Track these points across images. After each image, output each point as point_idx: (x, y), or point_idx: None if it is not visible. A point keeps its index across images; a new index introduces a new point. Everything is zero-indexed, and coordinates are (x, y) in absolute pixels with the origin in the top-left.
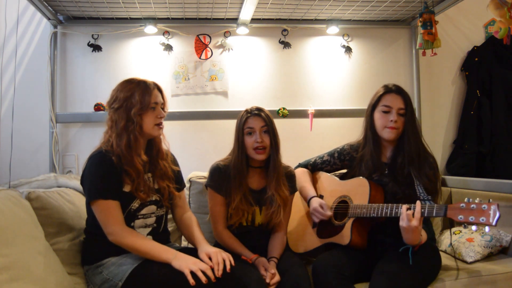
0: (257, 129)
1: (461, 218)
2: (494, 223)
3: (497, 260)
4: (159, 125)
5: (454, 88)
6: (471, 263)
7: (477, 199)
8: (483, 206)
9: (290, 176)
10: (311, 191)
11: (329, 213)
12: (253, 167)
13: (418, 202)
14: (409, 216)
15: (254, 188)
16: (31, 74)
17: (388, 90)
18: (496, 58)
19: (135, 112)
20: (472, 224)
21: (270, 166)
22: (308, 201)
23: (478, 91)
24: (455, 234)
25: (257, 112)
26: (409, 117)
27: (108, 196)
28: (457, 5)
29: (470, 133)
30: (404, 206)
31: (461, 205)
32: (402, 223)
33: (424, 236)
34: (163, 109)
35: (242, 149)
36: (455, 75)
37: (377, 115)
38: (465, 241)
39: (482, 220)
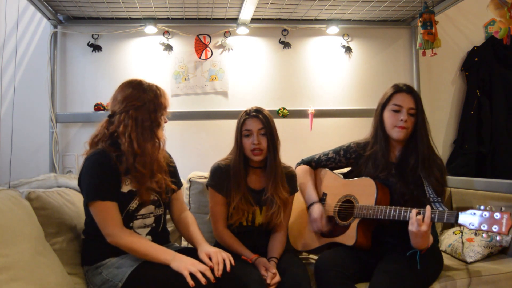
0: (254, 131)
1: (472, 226)
2: (507, 232)
3: (497, 260)
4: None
5: (454, 88)
6: (471, 263)
7: (489, 206)
8: (496, 214)
9: (290, 177)
10: (312, 195)
11: (326, 228)
12: (253, 167)
13: (428, 208)
14: (419, 221)
15: (254, 188)
16: (31, 74)
17: (399, 89)
18: (496, 58)
19: (160, 114)
20: (484, 232)
21: (267, 168)
22: (308, 206)
23: (478, 91)
24: (455, 234)
25: (255, 114)
26: (419, 117)
27: (106, 197)
28: (457, 5)
29: (470, 133)
30: (414, 211)
31: (473, 212)
32: (412, 227)
33: (430, 239)
34: None
35: (240, 149)
36: (455, 75)
37: (387, 114)
38: (465, 241)
39: (495, 229)
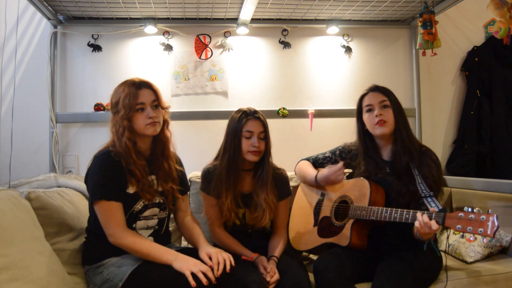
0: (255, 133)
1: (459, 228)
2: (492, 235)
3: (497, 260)
4: (152, 124)
5: (454, 88)
6: (471, 263)
7: (476, 209)
8: (482, 217)
9: (283, 180)
10: (312, 172)
11: (340, 164)
12: (243, 170)
13: (418, 214)
14: (428, 224)
15: (243, 191)
16: (31, 74)
17: (366, 91)
18: (496, 58)
19: (122, 116)
20: (470, 234)
21: (261, 170)
22: (315, 179)
23: (478, 91)
24: (455, 234)
25: (257, 116)
26: (395, 108)
27: (111, 197)
28: (457, 5)
29: (470, 133)
30: (420, 214)
31: (460, 214)
32: (424, 230)
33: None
34: (159, 105)
35: (238, 151)
36: (455, 75)
37: (365, 117)
38: (465, 241)
39: (480, 231)
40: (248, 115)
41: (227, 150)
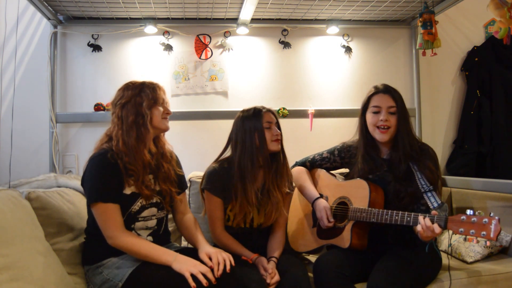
0: (273, 123)
1: (461, 231)
2: (495, 238)
3: (497, 260)
4: (167, 119)
5: (454, 88)
6: (471, 263)
7: (478, 212)
8: (484, 220)
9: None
10: (313, 192)
11: (331, 224)
12: (259, 165)
13: (420, 217)
14: (431, 228)
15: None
16: (31, 74)
17: (377, 90)
18: (496, 58)
19: (146, 105)
20: (472, 237)
21: (277, 163)
22: (313, 202)
23: (478, 91)
24: (455, 234)
25: (269, 109)
26: (401, 115)
27: (108, 199)
28: (457, 5)
29: (470, 133)
30: (421, 218)
31: (462, 217)
32: (427, 234)
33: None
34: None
35: (264, 143)
36: (455, 75)
37: (368, 116)
38: (465, 241)
39: (483, 234)
40: (261, 109)
41: (247, 147)
